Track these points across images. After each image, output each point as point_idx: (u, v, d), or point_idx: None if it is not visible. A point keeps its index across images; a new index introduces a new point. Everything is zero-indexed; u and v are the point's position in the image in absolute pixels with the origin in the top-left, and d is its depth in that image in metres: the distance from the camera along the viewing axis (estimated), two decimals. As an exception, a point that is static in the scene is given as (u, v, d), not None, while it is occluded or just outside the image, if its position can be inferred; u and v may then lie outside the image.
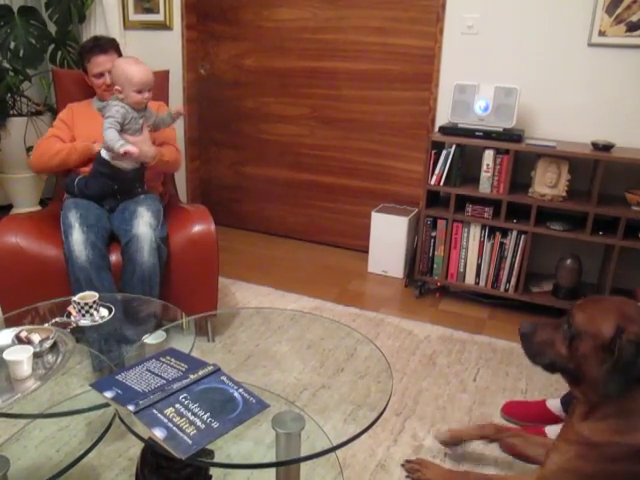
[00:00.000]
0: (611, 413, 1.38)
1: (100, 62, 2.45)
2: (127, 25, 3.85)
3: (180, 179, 2.64)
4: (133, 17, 3.84)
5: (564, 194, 2.75)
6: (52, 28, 3.78)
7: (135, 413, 1.12)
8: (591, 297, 1.46)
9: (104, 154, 2.23)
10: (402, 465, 1.82)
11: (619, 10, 2.74)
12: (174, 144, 2.56)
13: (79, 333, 1.63)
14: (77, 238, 2.09)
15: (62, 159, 2.35)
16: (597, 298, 1.45)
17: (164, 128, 2.43)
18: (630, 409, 1.36)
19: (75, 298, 1.65)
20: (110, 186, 2.29)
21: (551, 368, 1.49)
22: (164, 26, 3.76)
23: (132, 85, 2.17)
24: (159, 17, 3.76)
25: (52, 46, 3.80)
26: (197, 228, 2.36)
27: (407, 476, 1.78)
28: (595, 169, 2.72)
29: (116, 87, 2.20)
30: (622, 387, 1.33)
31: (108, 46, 2.49)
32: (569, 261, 2.83)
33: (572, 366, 1.43)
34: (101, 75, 2.45)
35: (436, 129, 3.12)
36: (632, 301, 1.41)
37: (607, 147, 2.68)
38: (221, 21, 3.75)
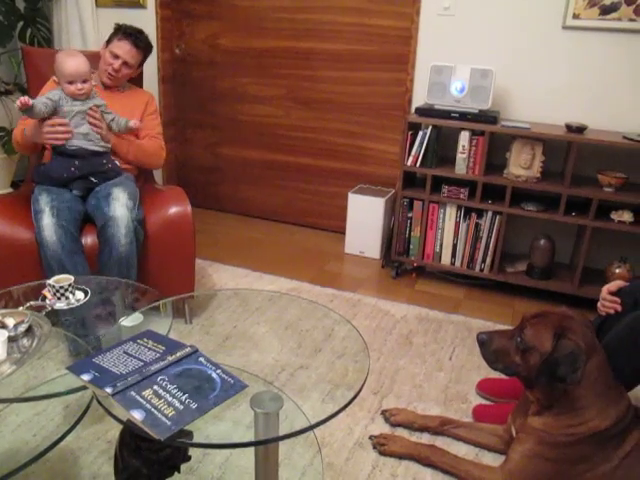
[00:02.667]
0: (560, 412, 1.57)
1: (125, 49, 2.46)
2: (99, 3, 3.75)
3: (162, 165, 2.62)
4: (105, -6, 3.75)
5: (538, 175, 2.79)
6: (21, 5, 3.68)
7: (113, 395, 1.11)
8: (540, 312, 1.63)
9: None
10: (369, 438, 1.86)
11: (593, -8, 2.76)
12: (157, 137, 2.55)
13: (55, 317, 1.61)
14: (47, 222, 2.06)
15: (26, 137, 2.30)
16: (545, 313, 1.62)
17: (117, 131, 2.38)
18: (575, 407, 1.55)
19: (50, 281, 1.63)
20: (70, 164, 2.24)
21: (507, 373, 1.67)
22: (137, 4, 3.68)
23: (64, 76, 2.18)
24: (132, -6, 3.68)
25: (21, 23, 3.70)
26: (173, 210, 2.34)
27: (374, 448, 1.82)
28: (568, 151, 2.76)
29: (54, 78, 2.24)
30: (550, 381, 1.55)
31: (142, 45, 2.52)
32: (543, 241, 2.88)
33: (525, 374, 1.61)
34: (117, 57, 2.45)
35: (412, 110, 3.13)
36: (574, 314, 1.61)
37: (580, 129, 2.72)
38: (196, 0, 3.69)
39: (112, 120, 2.33)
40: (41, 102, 2.14)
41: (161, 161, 2.59)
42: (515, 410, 1.77)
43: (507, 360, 1.65)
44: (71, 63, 2.18)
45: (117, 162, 2.38)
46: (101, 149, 2.29)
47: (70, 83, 2.19)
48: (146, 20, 3.68)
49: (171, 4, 3.74)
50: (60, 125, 2.18)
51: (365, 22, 3.33)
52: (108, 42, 2.50)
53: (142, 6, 3.68)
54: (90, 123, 2.24)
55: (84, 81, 2.21)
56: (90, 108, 2.24)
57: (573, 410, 1.55)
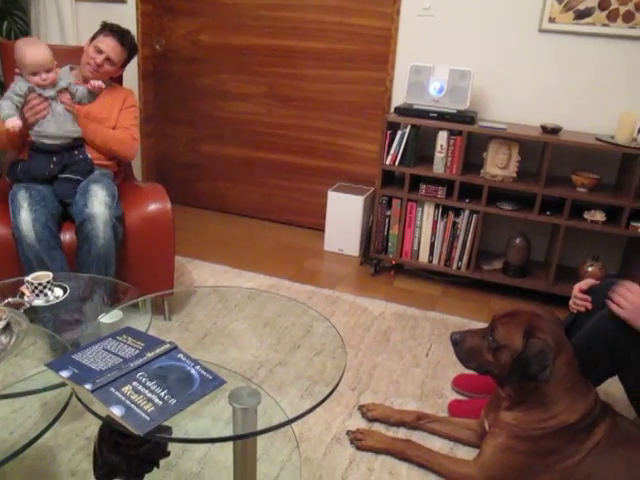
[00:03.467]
0: (531, 407, 1.62)
1: (110, 45, 2.44)
2: (78, -3, 3.73)
3: (135, 157, 2.60)
4: (84, -12, 3.72)
5: (514, 175, 2.84)
6: (-2, -2, 3.64)
7: (92, 392, 1.12)
8: (510, 311, 1.67)
9: (32, 134, 2.20)
10: (346, 433, 1.89)
11: (568, -4, 2.82)
12: (129, 128, 2.52)
13: (33, 314, 1.61)
14: (25, 217, 2.05)
15: (5, 139, 2.27)
16: (515, 312, 1.66)
17: (87, 103, 2.33)
18: (544, 402, 1.61)
19: (28, 278, 1.63)
20: (49, 160, 2.23)
21: (480, 371, 1.72)
22: (117, -1, 3.66)
23: (24, 67, 2.12)
24: (111, -11, 3.65)
25: (-2, 16, 3.66)
26: (153, 207, 2.35)
27: (351, 443, 1.86)
28: (544, 151, 2.81)
29: (16, 69, 2.16)
30: (521, 378, 1.59)
31: (127, 44, 2.49)
32: (518, 240, 2.94)
33: (497, 372, 1.66)
34: (100, 52, 2.42)
35: (392, 110, 3.16)
36: (543, 313, 1.66)
37: (555, 130, 2.77)
38: (176, -5, 3.69)
39: (77, 91, 2.27)
40: (8, 105, 2.10)
41: (132, 151, 2.52)
42: (488, 405, 1.81)
43: (480, 359, 1.69)
44: (32, 53, 2.10)
45: (89, 155, 2.36)
46: (75, 134, 2.27)
47: (34, 74, 2.12)
48: (126, 15, 3.66)
49: (151, -1, 3.73)
50: (36, 104, 2.14)
51: (346, 21, 3.35)
52: (93, 38, 2.48)
53: (122, 0, 3.66)
54: (62, 102, 2.22)
55: (47, 70, 2.14)
56: (59, 91, 2.20)
57: (543, 405, 1.60)
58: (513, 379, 1.62)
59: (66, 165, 2.28)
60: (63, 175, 2.27)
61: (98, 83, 2.26)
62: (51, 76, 2.16)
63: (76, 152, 2.31)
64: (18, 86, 2.14)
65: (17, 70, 2.17)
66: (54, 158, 2.24)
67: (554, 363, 1.56)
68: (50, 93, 2.18)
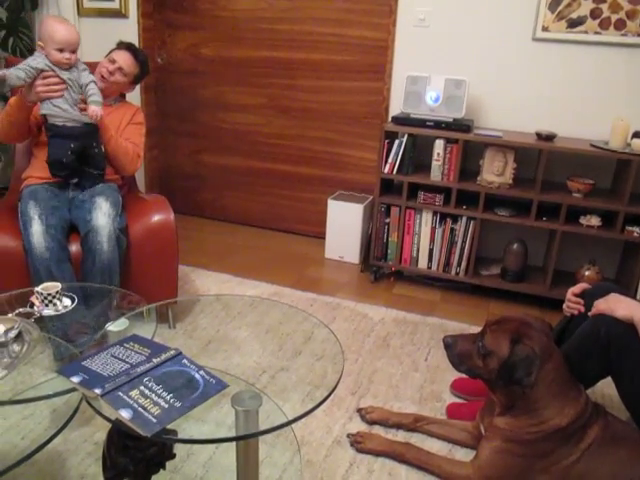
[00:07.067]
0: (521, 413, 1.67)
1: (123, 56, 2.54)
2: (82, 12, 3.80)
3: (135, 173, 2.66)
4: (88, 4, 3.79)
5: (510, 182, 2.89)
6: (2, 14, 3.72)
7: (102, 396, 1.18)
8: (501, 318, 1.73)
9: (42, 110, 2.23)
10: (347, 436, 1.94)
11: (560, 7, 2.88)
12: (137, 145, 2.57)
13: (42, 323, 1.67)
14: (37, 230, 2.11)
15: (5, 119, 2.31)
16: (505, 319, 1.71)
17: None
18: (534, 408, 1.65)
19: (38, 288, 1.68)
20: (67, 145, 2.25)
21: (471, 375, 1.76)
22: (120, 14, 3.74)
23: (54, 42, 2.14)
24: (114, 5, 3.73)
25: (3, 32, 3.73)
26: (156, 218, 2.40)
27: (351, 446, 1.90)
28: (539, 158, 2.86)
29: (39, 42, 2.18)
30: (507, 384, 1.64)
31: (141, 60, 2.61)
32: (516, 245, 2.98)
33: (486, 376, 1.71)
34: (113, 62, 2.52)
35: (389, 119, 3.22)
36: (532, 321, 1.71)
37: (550, 137, 2.83)
38: (178, 10, 3.76)
39: (93, 94, 2.27)
40: (21, 70, 2.10)
41: (133, 168, 2.57)
42: (483, 409, 1.86)
43: (470, 363, 1.74)
44: (64, 31, 2.15)
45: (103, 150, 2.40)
46: (87, 119, 2.27)
47: (60, 51, 2.15)
48: (128, 30, 3.73)
49: (153, 14, 3.80)
50: (53, 82, 2.17)
51: (343, 33, 3.42)
52: (108, 54, 2.58)
53: (124, 16, 3.74)
54: (80, 108, 2.26)
55: (73, 51, 2.19)
56: (81, 99, 2.25)
57: (533, 410, 1.64)
58: (500, 384, 1.67)
59: (83, 158, 2.31)
60: (83, 168, 2.33)
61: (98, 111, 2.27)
62: (74, 57, 2.21)
63: (94, 144, 2.33)
64: (37, 61, 2.15)
65: (39, 45, 2.19)
66: (72, 145, 2.25)
67: (541, 370, 1.60)
68: (68, 76, 2.21)
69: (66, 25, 2.19)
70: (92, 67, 2.54)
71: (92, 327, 1.75)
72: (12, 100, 2.29)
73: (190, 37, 3.79)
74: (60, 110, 2.21)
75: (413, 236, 3.11)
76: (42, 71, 2.15)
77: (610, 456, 1.61)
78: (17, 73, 2.10)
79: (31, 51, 3.81)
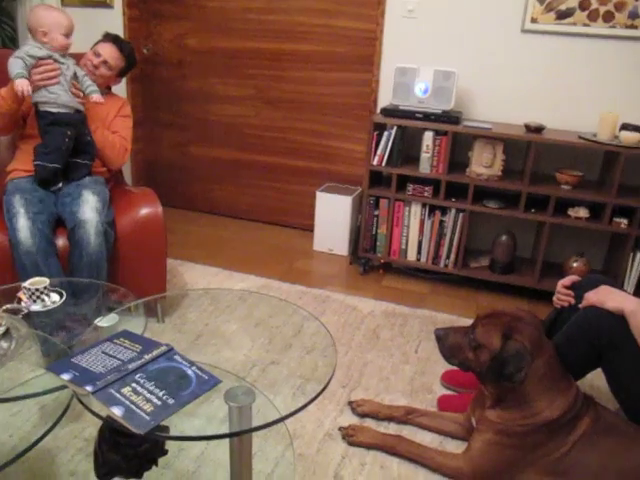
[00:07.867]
0: (511, 406, 1.68)
1: (108, 49, 2.51)
2: (65, 2, 3.74)
3: (121, 166, 2.64)
4: (71, -6, 3.73)
5: (499, 174, 2.90)
6: (-16, 4, 3.65)
7: (93, 393, 1.16)
8: (492, 311, 1.73)
9: (35, 97, 2.22)
10: (338, 429, 1.94)
11: (549, -2, 2.88)
12: (125, 138, 2.55)
13: (30, 319, 1.64)
14: (23, 224, 2.07)
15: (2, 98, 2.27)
16: (496, 313, 1.71)
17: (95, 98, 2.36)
18: (524, 401, 1.66)
19: (25, 284, 1.66)
20: (64, 132, 2.25)
21: (462, 367, 1.77)
22: (104, 4, 3.68)
23: (61, 27, 2.20)
24: (98, -6, 3.67)
25: (-15, 22, 3.67)
26: (144, 211, 2.38)
27: (343, 439, 1.90)
28: (528, 150, 2.87)
29: (42, 29, 2.18)
30: (498, 378, 1.64)
31: (127, 52, 2.57)
32: (504, 237, 3.00)
33: (477, 369, 1.71)
34: (98, 55, 2.49)
35: (378, 110, 3.21)
36: (524, 315, 1.71)
37: (538, 129, 2.83)
38: (164, 0, 3.71)
39: (88, 85, 2.32)
40: (19, 64, 2.11)
41: (120, 161, 2.56)
42: (474, 401, 1.86)
43: (461, 356, 1.74)
44: (66, 16, 2.23)
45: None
46: (80, 106, 2.31)
47: (66, 36, 2.21)
48: (113, 20, 3.68)
49: (139, 4, 3.75)
50: (50, 69, 2.18)
51: (332, 24, 3.40)
52: (93, 46, 2.54)
53: (109, 5, 3.68)
54: (73, 94, 2.27)
55: (67, 35, 2.23)
56: (73, 84, 2.26)
57: (523, 404, 1.65)
58: (490, 378, 1.67)
59: (76, 145, 2.31)
60: (73, 160, 2.32)
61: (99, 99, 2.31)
62: (70, 41, 2.24)
63: (86, 131, 2.35)
64: (33, 50, 2.15)
65: (41, 32, 2.18)
66: (68, 131, 2.26)
67: (531, 365, 1.61)
68: (62, 61, 2.22)
69: (57, 10, 2.27)
70: (77, 58, 2.50)
71: (81, 322, 1.72)
72: (2, 91, 2.25)
73: (177, 27, 3.74)
74: (56, 96, 2.21)
75: (402, 228, 3.11)
76: (40, 59, 2.16)
77: (600, 447, 1.62)
78: (18, 65, 2.10)
79: (13, 40, 3.75)
